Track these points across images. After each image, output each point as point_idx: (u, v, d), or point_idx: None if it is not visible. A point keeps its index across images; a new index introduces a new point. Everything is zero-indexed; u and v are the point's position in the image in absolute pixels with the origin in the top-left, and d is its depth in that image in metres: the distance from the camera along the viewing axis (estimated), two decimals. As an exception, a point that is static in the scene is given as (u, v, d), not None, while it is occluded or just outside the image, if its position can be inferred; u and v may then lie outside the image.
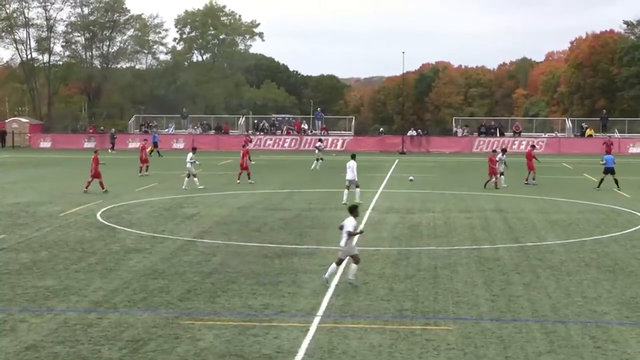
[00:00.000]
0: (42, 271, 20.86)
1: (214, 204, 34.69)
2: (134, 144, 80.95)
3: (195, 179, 41.05)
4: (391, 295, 18.34)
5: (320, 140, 62.48)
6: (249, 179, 43.66)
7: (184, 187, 40.25)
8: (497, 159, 42.47)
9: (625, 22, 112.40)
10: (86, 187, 38.99)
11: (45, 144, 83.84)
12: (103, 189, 38.64)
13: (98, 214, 31.15)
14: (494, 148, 54.01)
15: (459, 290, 18.92)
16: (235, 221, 29.78)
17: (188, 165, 40.94)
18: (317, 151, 56.95)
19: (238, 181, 43.63)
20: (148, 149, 62.08)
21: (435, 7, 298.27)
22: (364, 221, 29.68)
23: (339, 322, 16.23)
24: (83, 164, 59.38)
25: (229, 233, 27.10)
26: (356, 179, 35.21)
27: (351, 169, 35.13)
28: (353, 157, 36.32)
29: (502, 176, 42.38)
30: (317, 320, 16.29)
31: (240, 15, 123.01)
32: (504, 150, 44.40)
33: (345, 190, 35.17)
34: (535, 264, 22.04)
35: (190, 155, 41.32)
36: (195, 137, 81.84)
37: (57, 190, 39.89)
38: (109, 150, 75.07)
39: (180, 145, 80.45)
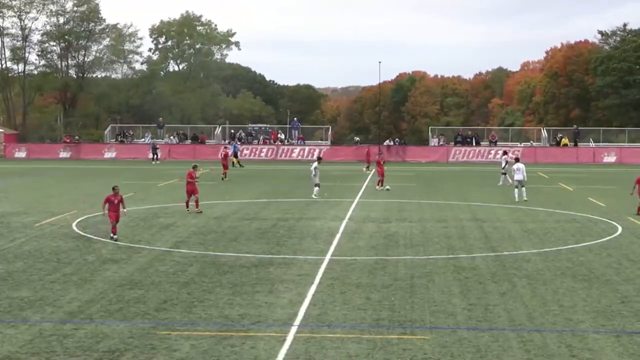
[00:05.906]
0: (17, 282, 20.68)
1: (190, 213, 34.55)
2: (109, 154, 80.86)
3: (317, 188, 41.08)
4: (368, 305, 18.34)
5: (505, 152, 54.46)
6: (379, 185, 46.20)
7: (314, 195, 40.52)
8: None
9: (600, 32, 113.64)
10: (188, 206, 35.25)
11: (20, 153, 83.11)
12: (196, 208, 34.90)
13: (73, 225, 30.95)
14: None
15: (435, 299, 18.94)
16: (211, 231, 29.68)
17: (313, 174, 41.18)
18: (504, 164, 51.04)
19: (378, 188, 45.84)
20: (233, 159, 63.37)
21: (412, 17, 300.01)
22: (340, 230, 29.73)
23: (315, 331, 16.20)
24: (58, 174, 58.91)
25: (206, 243, 27.01)
26: (525, 179, 40.31)
27: (520, 171, 40.28)
28: (517, 160, 42.34)
29: None
30: (294, 330, 16.25)
31: (216, 25, 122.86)
32: None
33: (516, 190, 40.35)
34: (512, 273, 22.11)
35: (315, 165, 41.57)
36: (171, 147, 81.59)
37: (32, 201, 39.58)
38: (153, 162, 73.56)
39: (157, 155, 79.83)
